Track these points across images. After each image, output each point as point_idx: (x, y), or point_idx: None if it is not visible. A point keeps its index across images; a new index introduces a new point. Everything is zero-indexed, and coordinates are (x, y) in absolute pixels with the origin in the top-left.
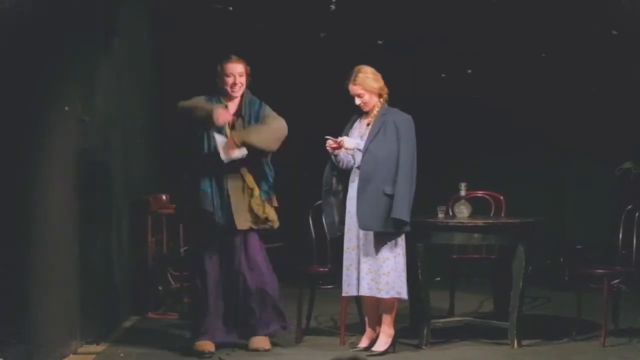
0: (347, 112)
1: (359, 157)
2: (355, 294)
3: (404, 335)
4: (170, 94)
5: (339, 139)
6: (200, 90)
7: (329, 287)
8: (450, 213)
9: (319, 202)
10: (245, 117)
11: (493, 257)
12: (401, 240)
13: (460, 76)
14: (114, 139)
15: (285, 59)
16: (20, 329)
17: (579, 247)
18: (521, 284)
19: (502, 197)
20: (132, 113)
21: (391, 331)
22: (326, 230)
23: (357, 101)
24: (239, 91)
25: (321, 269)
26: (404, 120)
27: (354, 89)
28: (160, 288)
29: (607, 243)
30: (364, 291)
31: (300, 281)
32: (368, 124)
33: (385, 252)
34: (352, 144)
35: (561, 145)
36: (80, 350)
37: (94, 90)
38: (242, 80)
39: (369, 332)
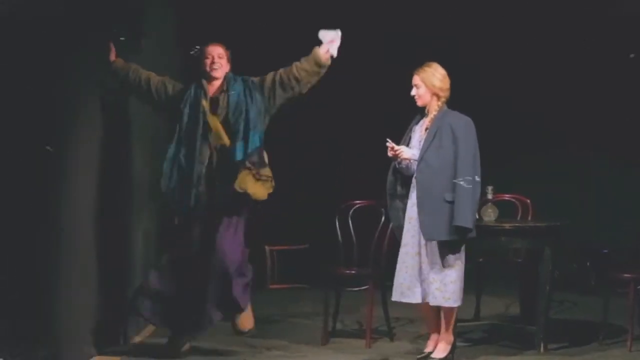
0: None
1: (415, 166)
2: (416, 301)
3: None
4: None
5: (397, 148)
6: None
7: (355, 289)
8: (477, 216)
9: (346, 204)
10: (229, 92)
11: (519, 261)
12: (463, 247)
13: (487, 79)
14: (141, 142)
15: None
16: (46, 328)
17: (605, 251)
18: (548, 287)
19: (528, 201)
20: (159, 115)
21: (450, 338)
22: (396, 234)
23: (413, 91)
24: (217, 72)
25: (347, 271)
26: (462, 123)
27: (414, 78)
28: None
29: (634, 247)
30: (430, 300)
31: (326, 283)
32: (426, 129)
33: (450, 260)
34: (409, 154)
35: (588, 148)
36: (106, 350)
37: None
38: (221, 62)
39: (434, 337)
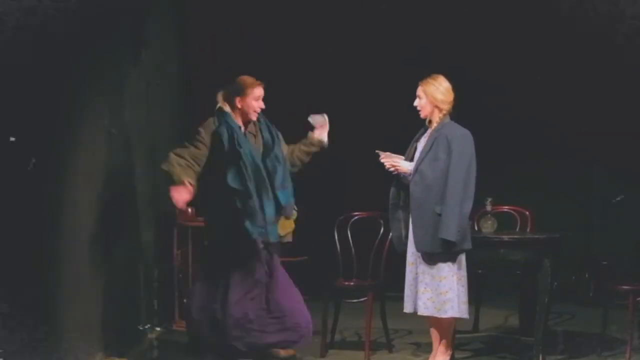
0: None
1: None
2: (411, 311)
3: (428, 350)
4: (198, 105)
5: (395, 162)
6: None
7: (354, 300)
8: (476, 228)
9: (345, 215)
10: (265, 135)
11: (518, 272)
12: (460, 259)
13: (488, 91)
14: (141, 151)
15: (336, 66)
16: (45, 340)
17: (604, 262)
18: (546, 299)
19: (527, 212)
20: (160, 125)
21: (448, 350)
22: (394, 244)
23: (415, 102)
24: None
25: (346, 283)
26: (458, 135)
27: (418, 89)
28: (185, 300)
29: (633, 258)
30: (421, 311)
31: (325, 295)
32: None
33: (443, 271)
34: (405, 167)
35: (587, 160)
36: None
37: (122, 102)
38: (261, 105)
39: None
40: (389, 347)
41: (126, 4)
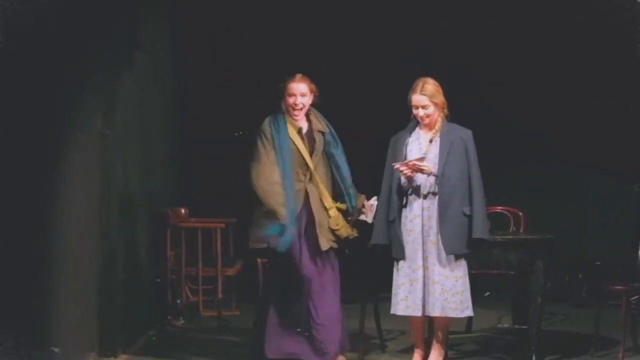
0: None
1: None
2: (419, 314)
3: None
4: (191, 108)
5: (418, 163)
6: (220, 106)
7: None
8: None
9: None
10: (326, 138)
11: (512, 273)
12: (467, 259)
13: (481, 92)
14: (134, 152)
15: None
16: (38, 340)
17: (597, 263)
18: (540, 299)
19: (521, 213)
20: (152, 127)
21: (444, 350)
22: (397, 253)
23: (420, 112)
24: (300, 113)
25: None
26: (470, 136)
27: (420, 99)
28: (178, 301)
29: (626, 259)
30: (437, 312)
31: None
32: (431, 141)
33: (459, 272)
34: (431, 166)
35: (581, 161)
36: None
37: (115, 103)
38: (303, 101)
39: (419, 353)
40: (383, 348)
41: (121, 5)
